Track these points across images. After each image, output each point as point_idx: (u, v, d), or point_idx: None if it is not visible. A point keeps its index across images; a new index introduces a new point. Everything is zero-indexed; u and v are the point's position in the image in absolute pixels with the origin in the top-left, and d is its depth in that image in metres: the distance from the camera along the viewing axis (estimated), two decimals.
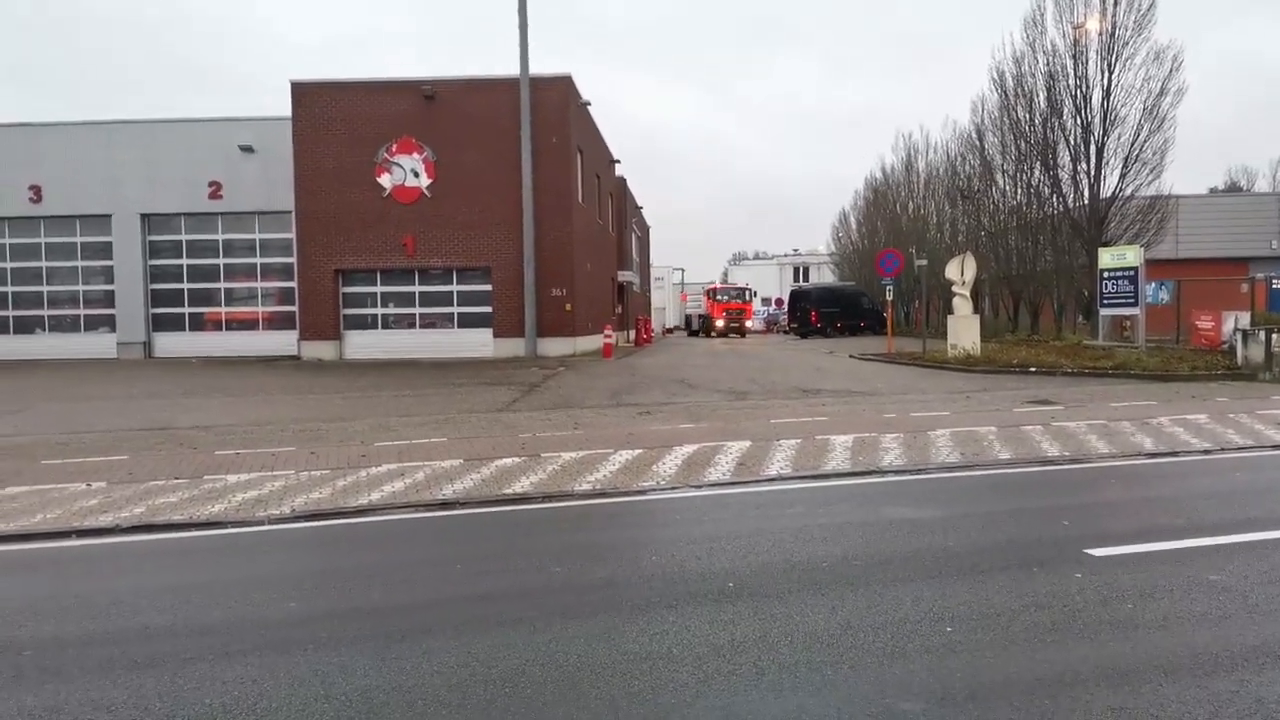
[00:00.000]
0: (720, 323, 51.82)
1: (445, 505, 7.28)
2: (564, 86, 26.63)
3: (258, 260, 29.06)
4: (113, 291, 28.92)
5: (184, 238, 28.98)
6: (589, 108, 29.61)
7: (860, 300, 48.56)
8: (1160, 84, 25.82)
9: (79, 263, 29.27)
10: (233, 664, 3.97)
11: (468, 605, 4.84)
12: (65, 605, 4.96)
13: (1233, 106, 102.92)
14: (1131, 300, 21.62)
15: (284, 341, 28.05)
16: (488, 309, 26.66)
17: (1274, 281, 31.78)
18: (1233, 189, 62.70)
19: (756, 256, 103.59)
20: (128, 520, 6.79)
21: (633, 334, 40.83)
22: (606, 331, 27.70)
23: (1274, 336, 16.59)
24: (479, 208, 26.06)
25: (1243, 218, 39.01)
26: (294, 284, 27.35)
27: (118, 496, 7.59)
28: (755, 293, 64.69)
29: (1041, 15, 28.00)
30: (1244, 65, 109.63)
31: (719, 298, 54.55)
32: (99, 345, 28.88)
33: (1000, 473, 8.43)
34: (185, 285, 29.12)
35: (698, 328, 55.81)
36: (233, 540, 6.45)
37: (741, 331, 51.23)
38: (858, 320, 46.91)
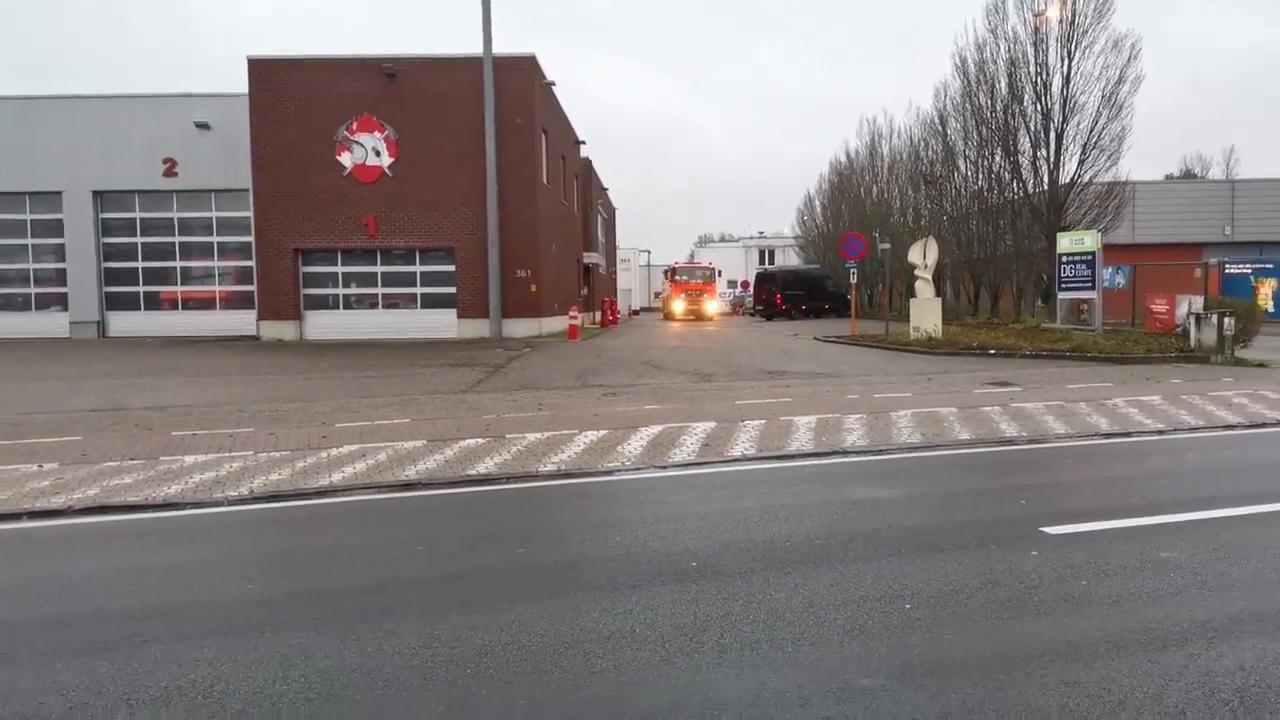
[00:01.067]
0: (679, 305, 47.07)
1: (408, 486, 7.21)
2: (528, 66, 26.35)
3: (214, 239, 28.51)
4: (65, 270, 28.23)
5: (138, 215, 28.34)
6: (554, 88, 29.35)
7: (825, 283, 48.86)
8: (1119, 72, 26.23)
9: (29, 240, 28.50)
10: (189, 647, 3.90)
11: (430, 587, 4.80)
12: (16, 588, 4.85)
13: (1186, 94, 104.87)
14: (1089, 284, 21.99)
15: (242, 321, 27.60)
16: (452, 290, 26.42)
17: (1227, 266, 32.59)
18: (1187, 176, 63.97)
19: (723, 239, 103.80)
20: (81, 502, 6.64)
21: (599, 315, 40.76)
22: (572, 313, 27.61)
23: (1225, 320, 16.97)
24: (442, 187, 25.76)
25: (1197, 204, 39.89)
26: (252, 263, 26.87)
27: (70, 478, 7.41)
28: (720, 272, 59.06)
29: (1004, 2, 28.27)
30: (1196, 52, 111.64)
31: (679, 278, 49.45)
32: (51, 325, 28.22)
33: (960, 453, 8.54)
34: (140, 264, 28.50)
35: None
36: (190, 522, 6.34)
37: (700, 314, 46.73)
38: (822, 303, 47.23)
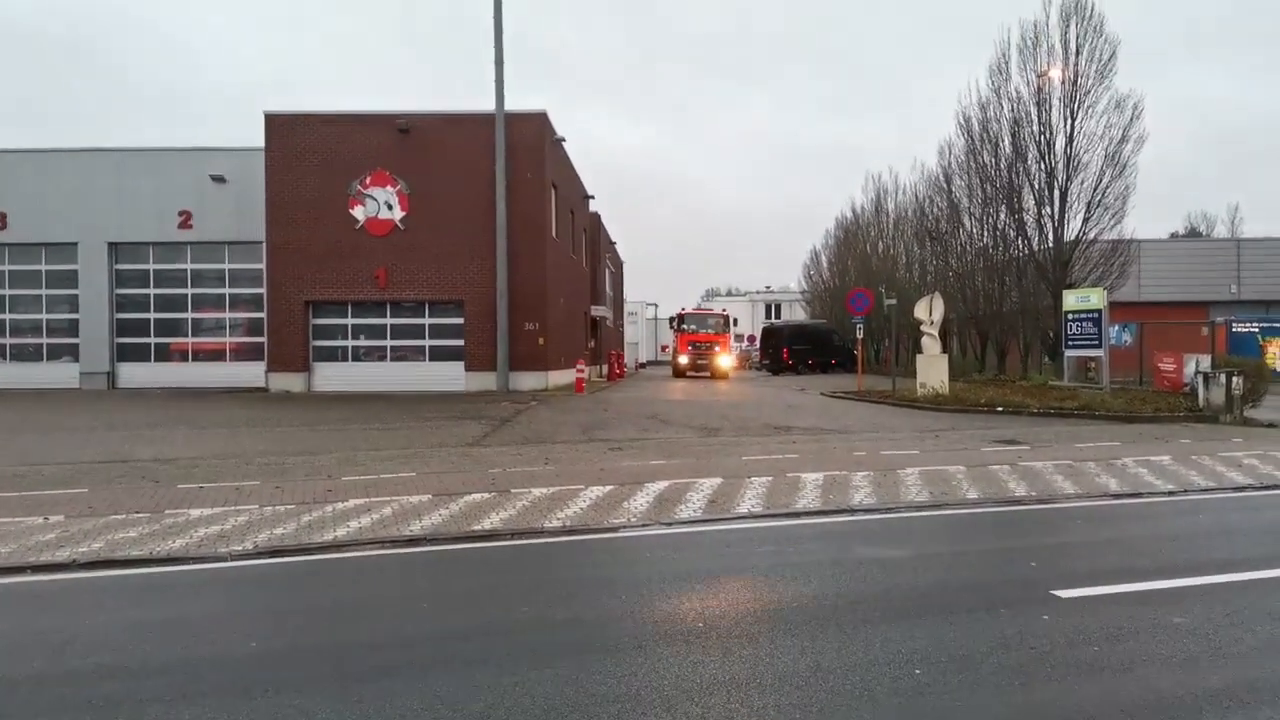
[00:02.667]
0: (684, 359, 40.17)
1: (412, 541, 7.18)
2: (539, 122, 26.85)
3: (226, 290, 28.82)
4: (77, 320, 28.52)
5: (152, 267, 28.71)
6: (563, 144, 29.84)
7: (831, 338, 48.99)
8: (1121, 131, 26.54)
9: (43, 291, 28.86)
10: (190, 706, 3.86)
11: (433, 645, 4.76)
12: (18, 643, 4.82)
13: (1189, 152, 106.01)
14: (1096, 342, 21.99)
15: (251, 373, 27.74)
16: (460, 342, 26.57)
17: (1234, 325, 32.56)
18: (1192, 234, 64.38)
19: (729, 293, 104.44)
20: (85, 555, 6.62)
21: (606, 369, 40.81)
22: (579, 366, 27.68)
23: (1234, 380, 16.92)
24: (452, 241, 26.07)
25: (1203, 263, 39.99)
26: (263, 315, 27.11)
27: (75, 531, 7.40)
28: (735, 321, 48.37)
29: (1006, 63, 28.74)
30: (1196, 111, 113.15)
31: (687, 327, 41.88)
32: (61, 375, 28.41)
33: (969, 512, 8.48)
34: (152, 315, 28.78)
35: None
36: (193, 577, 6.31)
37: (713, 371, 39.75)
38: (829, 358, 47.31)
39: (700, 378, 38.71)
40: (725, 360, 40.70)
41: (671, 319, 43.84)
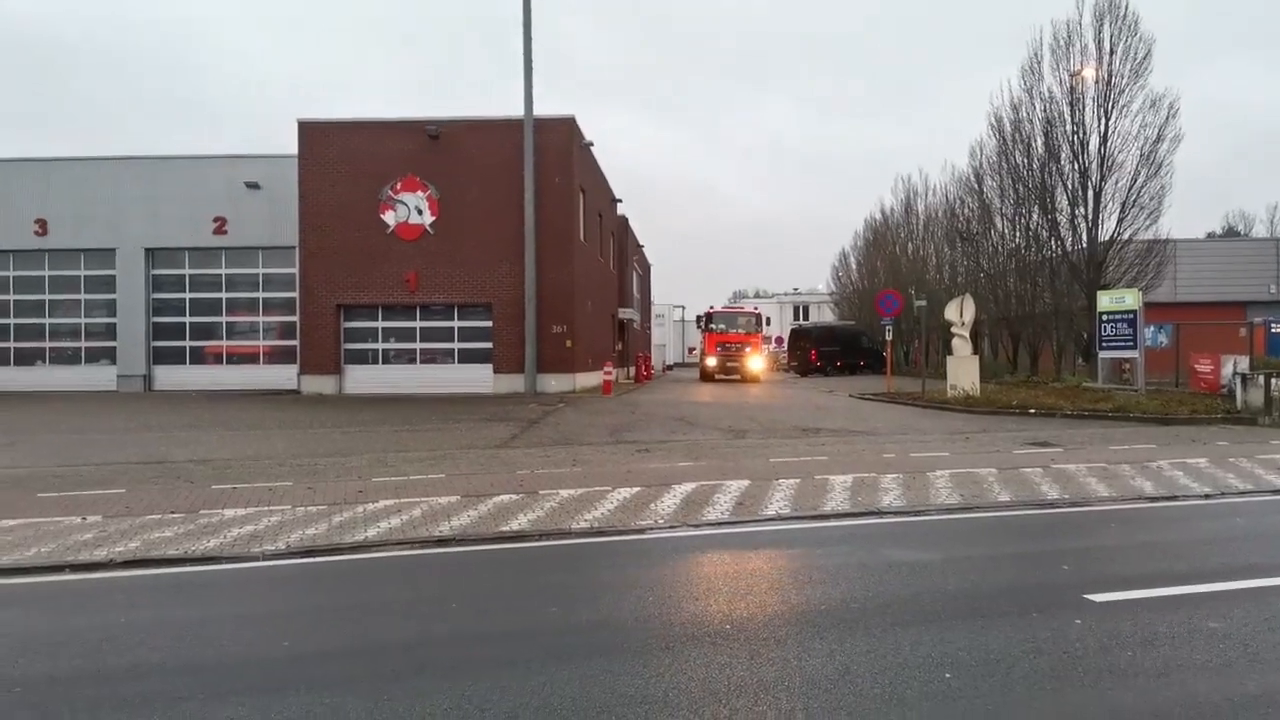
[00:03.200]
0: (714, 360, 37.28)
1: (442, 542, 7.24)
2: (567, 127, 26.95)
3: (260, 295, 29.24)
4: (114, 324, 29.09)
5: (187, 272, 29.19)
6: (591, 148, 29.93)
7: (860, 340, 48.66)
8: (1157, 131, 26.08)
9: (82, 296, 29.46)
10: (224, 704, 3.92)
11: (462, 645, 4.79)
12: (57, 641, 4.92)
13: (1227, 151, 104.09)
14: (1130, 343, 21.66)
15: (284, 375, 28.11)
16: (488, 345, 26.73)
17: (1272, 326, 31.87)
18: (1230, 234, 63.17)
19: (757, 295, 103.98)
20: (122, 555, 6.75)
21: (633, 371, 40.84)
22: (607, 368, 27.73)
23: (1273, 381, 16.59)
24: (481, 245, 26.25)
25: (1240, 262, 39.20)
26: (295, 318, 27.46)
27: (112, 530, 7.55)
28: (768, 320, 44.88)
29: (1039, 63, 28.38)
30: (1234, 109, 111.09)
31: (716, 326, 38.75)
32: (99, 378, 28.95)
33: (1000, 515, 8.39)
34: (187, 319, 29.26)
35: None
36: (227, 576, 6.41)
37: (744, 373, 37.09)
38: (857, 359, 46.98)
39: (729, 381, 36.24)
40: (757, 362, 37.95)
41: (699, 318, 40.27)
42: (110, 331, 29.22)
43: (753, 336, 38.39)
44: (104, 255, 28.99)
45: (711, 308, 41.23)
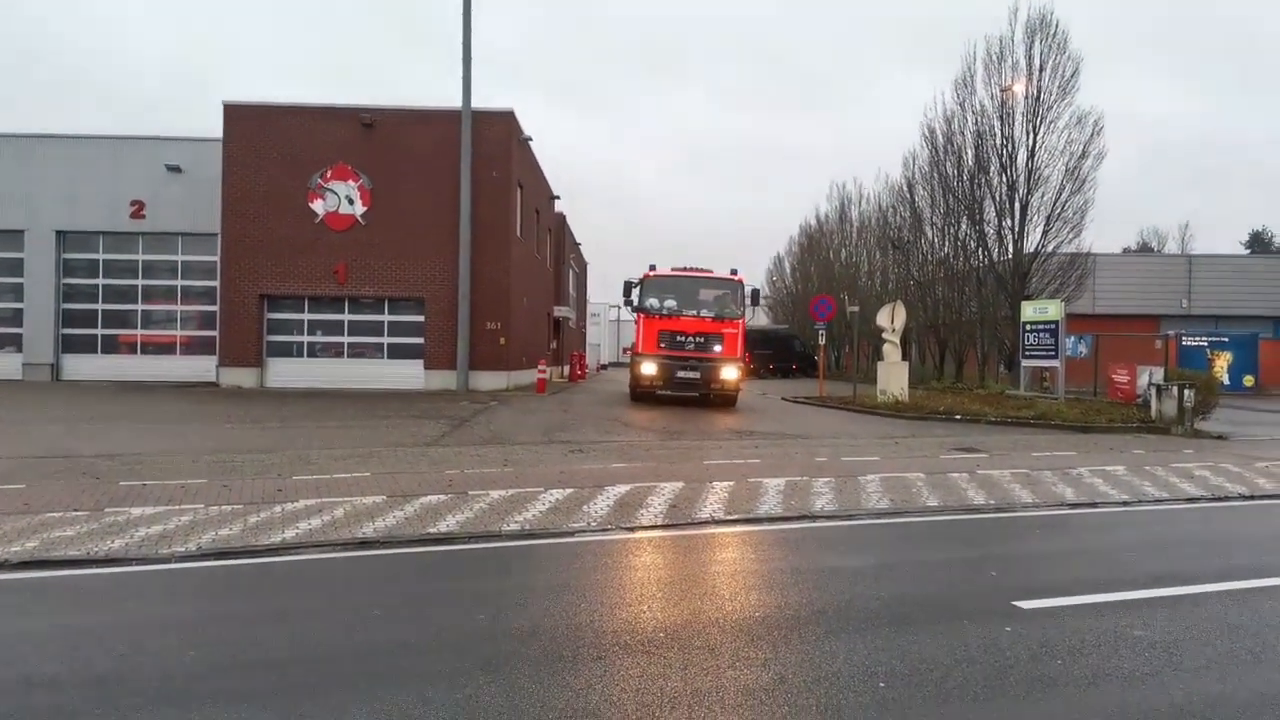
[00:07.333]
0: (650, 366, 21.41)
1: (365, 544, 6.97)
2: (506, 121, 26.56)
3: (178, 283, 28.06)
4: (21, 310, 27.59)
5: (101, 257, 27.86)
6: (530, 143, 29.59)
7: (793, 343, 49.27)
8: (1082, 147, 27.05)
9: None
10: (119, 719, 3.65)
11: (384, 656, 4.57)
12: None
13: (1136, 166, 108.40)
14: (1052, 352, 22.33)
15: (202, 367, 27.09)
16: (419, 340, 26.16)
17: (1183, 339, 33.29)
18: (1144, 249, 65.90)
19: None
20: (18, 555, 6.31)
21: (568, 369, 40.58)
22: (541, 366, 27.43)
23: (1186, 392, 17.23)
24: (415, 238, 25.68)
25: (1155, 277, 40.90)
26: (215, 308, 26.47)
27: (9, 529, 7.07)
28: (755, 293, 23.35)
29: (971, 77, 29.14)
30: (1149, 125, 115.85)
31: (657, 302, 22.05)
32: (3, 366, 27.48)
33: (929, 520, 8.46)
34: (100, 306, 27.92)
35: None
36: (132, 579, 6.03)
37: (711, 387, 21.69)
38: (790, 363, 47.56)
39: (682, 399, 22.94)
40: (732, 370, 21.70)
41: (627, 285, 22.65)
42: (16, 318, 27.71)
43: (728, 324, 21.88)
44: (12, 237, 27.47)
45: (653, 268, 22.80)
